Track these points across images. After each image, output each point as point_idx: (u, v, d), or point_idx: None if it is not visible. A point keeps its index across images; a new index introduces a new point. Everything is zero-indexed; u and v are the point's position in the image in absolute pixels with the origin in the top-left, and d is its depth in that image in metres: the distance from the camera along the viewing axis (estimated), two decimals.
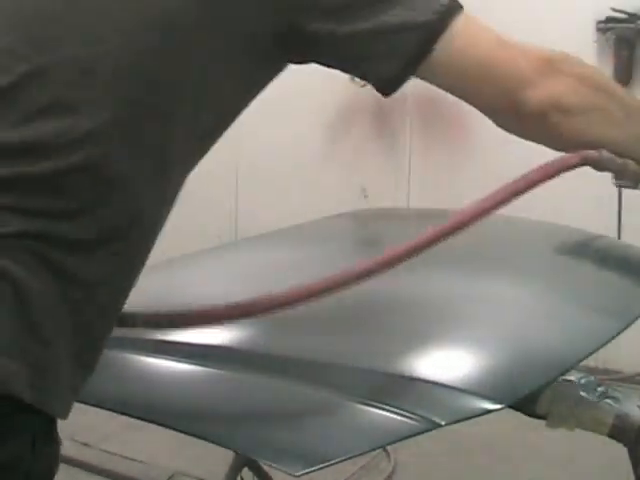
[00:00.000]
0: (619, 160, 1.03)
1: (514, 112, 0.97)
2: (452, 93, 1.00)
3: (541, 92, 0.94)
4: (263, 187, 3.96)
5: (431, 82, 0.98)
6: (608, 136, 1.01)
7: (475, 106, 1.00)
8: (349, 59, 0.91)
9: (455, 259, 1.28)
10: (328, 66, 0.93)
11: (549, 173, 1.01)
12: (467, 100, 1.00)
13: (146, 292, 1.17)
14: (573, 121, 0.98)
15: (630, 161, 1.04)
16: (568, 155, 1.01)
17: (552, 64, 0.97)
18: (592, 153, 1.00)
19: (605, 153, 1.01)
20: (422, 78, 0.97)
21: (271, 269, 1.24)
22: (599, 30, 3.17)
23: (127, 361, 0.90)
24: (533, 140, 1.04)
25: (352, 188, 3.69)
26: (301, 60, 0.93)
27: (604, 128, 1.01)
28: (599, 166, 1.02)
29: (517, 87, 0.94)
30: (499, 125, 1.02)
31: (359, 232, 1.67)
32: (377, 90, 0.95)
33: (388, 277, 1.17)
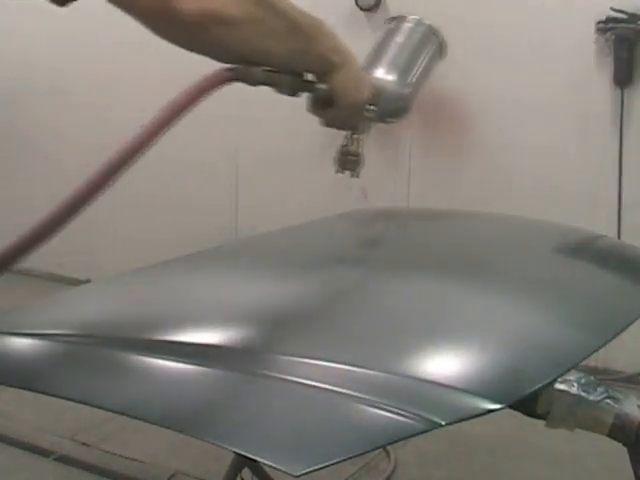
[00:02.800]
0: (271, 73, 1.06)
1: (170, 22, 0.96)
2: (110, 1, 0.97)
3: (196, 2, 0.95)
4: (263, 187, 3.97)
5: None
6: (270, 49, 1.04)
7: (132, 15, 0.98)
8: None
9: (454, 258, 1.28)
10: None
11: (204, 88, 0.99)
12: (122, 8, 0.97)
13: (146, 292, 1.17)
14: (235, 33, 1.00)
15: (287, 75, 1.08)
16: (218, 71, 1.02)
17: None
18: (241, 67, 1.04)
19: (252, 68, 1.04)
20: None
21: (271, 269, 1.24)
22: (599, 30, 3.17)
23: (127, 361, 0.90)
24: (197, 51, 1.03)
25: (352, 188, 3.69)
26: None
27: (266, 40, 1.03)
28: (251, 80, 1.05)
29: None
30: (158, 35, 1.00)
31: (359, 232, 1.67)
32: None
33: (388, 277, 1.18)
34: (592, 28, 3.17)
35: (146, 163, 3.83)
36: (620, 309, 1.10)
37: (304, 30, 1.06)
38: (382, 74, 1.23)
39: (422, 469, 2.63)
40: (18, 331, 0.98)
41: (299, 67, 1.10)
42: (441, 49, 1.34)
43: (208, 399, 0.83)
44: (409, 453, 2.64)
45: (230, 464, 1.71)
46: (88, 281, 4.15)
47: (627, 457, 0.92)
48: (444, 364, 0.89)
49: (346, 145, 1.25)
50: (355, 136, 1.23)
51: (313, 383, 0.81)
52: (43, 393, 0.87)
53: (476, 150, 3.50)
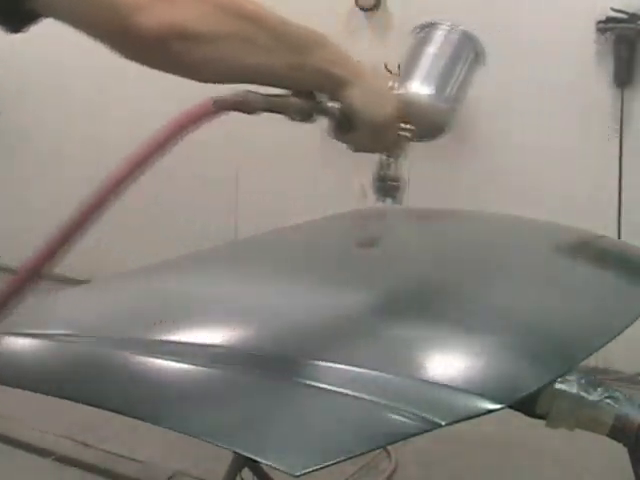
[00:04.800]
0: (275, 98, 0.99)
1: (129, 39, 0.89)
2: (67, 22, 0.90)
3: (157, 17, 0.87)
4: (263, 187, 3.96)
5: (48, 14, 0.89)
6: (259, 63, 0.97)
7: (92, 36, 0.91)
8: None
9: (454, 258, 1.28)
10: None
11: (189, 122, 0.93)
12: (81, 29, 0.91)
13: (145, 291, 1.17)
14: (203, 49, 0.92)
15: (291, 97, 1.01)
16: (205, 102, 0.95)
17: None
18: (233, 96, 0.97)
19: (250, 94, 0.97)
20: (36, 10, 0.88)
21: (270, 269, 1.24)
22: (599, 30, 3.17)
23: (127, 361, 0.90)
24: (158, 68, 0.95)
25: (352, 188, 3.69)
26: None
27: (246, 55, 0.96)
28: (248, 108, 0.98)
29: (128, 12, 0.87)
30: (122, 55, 0.93)
31: (359, 232, 1.67)
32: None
33: (388, 277, 1.18)
34: (592, 28, 3.17)
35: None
36: (620, 309, 1.10)
37: (294, 41, 1.00)
38: (416, 89, 1.12)
39: (422, 469, 2.62)
40: (18, 331, 0.98)
41: (300, 84, 1.02)
42: (478, 57, 1.22)
43: (208, 399, 0.83)
44: (409, 453, 2.64)
45: (230, 464, 1.71)
46: (88, 281, 4.14)
47: (627, 457, 0.92)
48: (444, 364, 0.89)
49: (382, 170, 1.17)
50: (391, 159, 1.16)
51: (313, 383, 0.81)
52: (43, 393, 0.87)
53: (476, 150, 3.50)
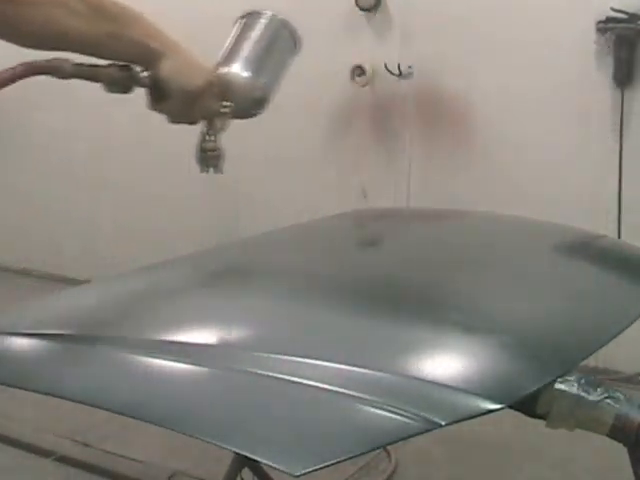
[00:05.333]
0: (88, 67, 1.06)
1: None
2: None
3: None
4: (263, 187, 3.96)
5: None
6: (75, 30, 1.03)
7: None
8: None
9: (454, 258, 1.28)
10: None
11: (6, 79, 1.00)
12: None
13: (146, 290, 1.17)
14: (23, 11, 0.98)
15: (105, 68, 1.08)
16: (16, 66, 1.01)
17: None
18: (44, 61, 1.02)
19: (63, 61, 1.04)
20: None
21: (270, 269, 1.24)
22: (599, 30, 3.17)
23: (126, 361, 0.90)
24: None
25: (352, 188, 3.69)
26: None
27: (66, 21, 1.02)
28: (58, 73, 1.04)
29: None
30: None
31: (359, 232, 1.67)
32: None
33: (387, 277, 1.18)
34: (592, 28, 3.17)
35: (147, 164, 3.88)
36: (620, 309, 1.10)
37: (112, 13, 1.06)
38: (237, 70, 1.24)
39: (422, 469, 2.63)
40: (18, 331, 0.98)
41: (118, 54, 1.09)
42: (295, 43, 1.34)
43: (208, 399, 0.83)
44: (409, 453, 2.64)
45: (230, 464, 1.71)
46: (88, 281, 4.15)
47: (627, 457, 0.92)
48: (444, 364, 0.89)
49: (204, 142, 1.26)
50: (211, 131, 1.25)
51: (313, 383, 0.81)
52: (43, 393, 0.87)
53: (476, 150, 3.50)
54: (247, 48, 1.26)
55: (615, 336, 0.99)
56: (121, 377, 0.89)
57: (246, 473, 1.71)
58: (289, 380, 0.82)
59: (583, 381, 0.88)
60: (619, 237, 3.11)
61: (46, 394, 0.87)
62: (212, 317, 1.03)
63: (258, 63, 1.26)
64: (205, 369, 0.86)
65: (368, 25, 3.61)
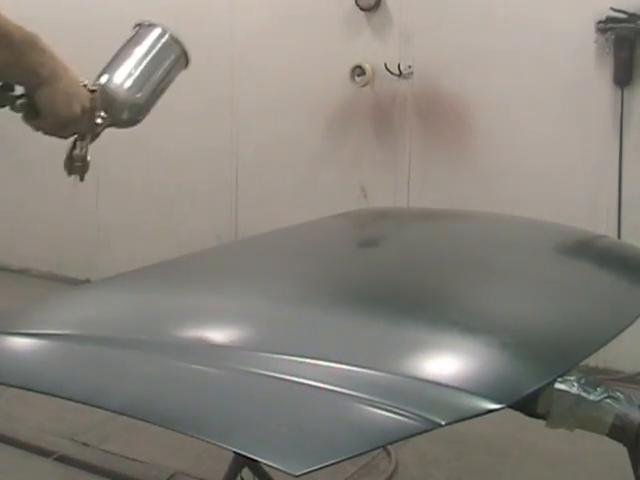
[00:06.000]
0: None
1: None
2: None
3: None
4: (263, 187, 3.96)
5: None
6: None
7: None
8: None
9: (454, 258, 1.28)
10: None
11: None
12: None
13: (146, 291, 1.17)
14: None
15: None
16: None
17: None
18: None
19: None
20: None
21: (270, 269, 1.24)
22: (599, 30, 3.17)
23: (127, 361, 0.90)
24: None
25: (352, 188, 3.69)
26: None
27: None
28: None
29: None
30: None
31: (359, 232, 1.67)
32: None
33: (388, 276, 1.18)
34: (592, 28, 3.17)
35: (147, 164, 3.88)
36: (620, 309, 1.10)
37: (15, 41, 1.08)
38: (117, 81, 1.26)
39: (422, 469, 2.62)
40: (18, 331, 0.98)
41: (7, 78, 1.13)
42: (183, 60, 1.34)
43: (208, 399, 0.83)
44: (409, 453, 2.64)
45: (230, 464, 1.71)
46: (88, 281, 4.15)
47: (627, 457, 0.92)
48: (444, 364, 0.89)
49: (73, 149, 1.25)
50: (79, 141, 1.24)
51: (313, 383, 0.81)
52: (43, 393, 0.87)
53: (476, 150, 3.50)
54: (131, 60, 1.29)
55: (615, 336, 0.99)
56: (121, 377, 0.88)
57: (246, 473, 1.71)
58: (289, 380, 0.82)
59: (583, 381, 0.88)
60: (619, 237, 3.11)
61: (46, 394, 0.87)
62: (212, 317, 1.03)
63: (139, 78, 1.28)
64: (205, 369, 0.86)
65: (368, 25, 3.61)
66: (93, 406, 0.82)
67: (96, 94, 1.22)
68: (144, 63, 1.29)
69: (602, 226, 3.09)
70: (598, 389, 0.88)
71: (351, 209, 1.86)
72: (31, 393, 0.87)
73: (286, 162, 3.87)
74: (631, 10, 3.12)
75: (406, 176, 3.63)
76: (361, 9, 3.58)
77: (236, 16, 3.76)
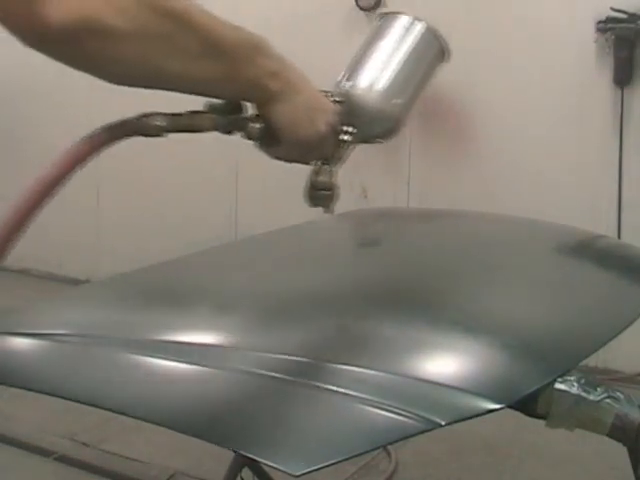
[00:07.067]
0: (182, 116, 0.87)
1: (37, 32, 0.76)
2: None
3: (67, 7, 0.74)
4: (263, 187, 3.96)
5: None
6: (175, 69, 0.83)
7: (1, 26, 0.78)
8: None
9: (454, 259, 1.28)
10: None
11: (94, 146, 0.85)
12: None
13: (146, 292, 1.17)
14: (118, 48, 0.79)
15: (203, 115, 0.90)
16: (95, 134, 0.85)
17: None
18: (125, 122, 0.86)
19: (152, 116, 0.85)
20: None
21: (271, 269, 1.24)
22: (599, 30, 3.17)
23: (127, 361, 0.90)
24: (70, 65, 0.82)
25: (352, 188, 3.69)
26: None
27: (169, 59, 0.82)
28: (149, 132, 0.86)
29: (36, 3, 0.74)
30: (33, 48, 0.79)
31: (359, 232, 1.67)
32: None
33: (388, 277, 1.18)
34: (592, 28, 3.18)
35: (147, 165, 3.89)
36: (620, 309, 1.10)
37: (229, 48, 0.89)
38: (364, 87, 1.02)
39: (422, 469, 2.63)
40: (18, 331, 0.98)
41: (223, 95, 0.92)
42: (442, 54, 1.08)
43: (208, 399, 0.83)
44: (409, 453, 2.64)
45: (230, 464, 1.71)
46: (88, 281, 4.15)
47: (627, 457, 0.92)
48: (444, 364, 0.89)
49: (315, 176, 1.02)
50: (325, 166, 1.02)
51: (313, 383, 0.81)
52: (43, 393, 0.87)
53: (476, 150, 3.50)
54: (380, 58, 1.04)
55: (615, 336, 0.99)
56: (121, 377, 0.88)
57: (246, 473, 1.71)
58: (289, 380, 0.82)
59: (583, 381, 0.88)
60: (619, 237, 3.11)
61: (47, 394, 0.87)
62: (212, 317, 1.03)
63: (393, 80, 1.03)
64: (205, 369, 0.86)
65: (368, 25, 3.60)
66: (93, 406, 0.82)
67: (342, 105, 0.98)
68: (397, 61, 1.03)
69: (602, 226, 3.09)
70: (598, 389, 0.88)
71: (351, 209, 1.86)
72: (31, 393, 0.87)
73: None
74: (631, 10, 3.13)
75: (406, 176, 3.63)
76: (361, 9, 3.58)
77: (236, 16, 3.75)
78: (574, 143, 3.32)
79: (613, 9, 3.13)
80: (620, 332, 1.00)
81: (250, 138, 0.94)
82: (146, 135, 0.88)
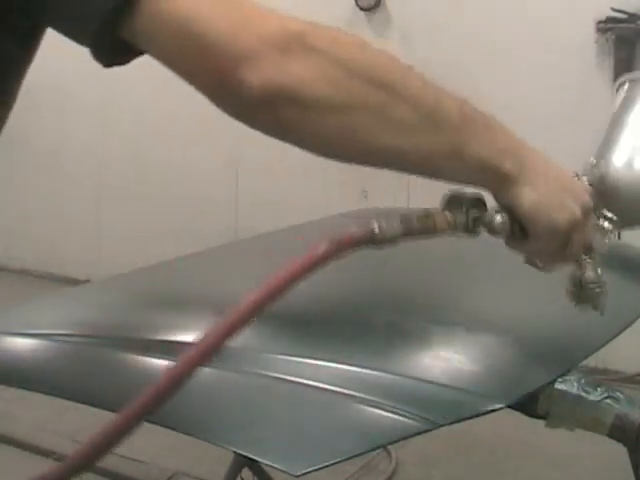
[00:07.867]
0: (417, 220, 0.77)
1: (232, 96, 0.71)
2: (166, 65, 0.72)
3: (264, 74, 0.69)
4: (263, 187, 3.96)
5: (146, 50, 0.72)
6: (387, 144, 0.75)
7: (189, 83, 0.73)
8: (57, 18, 0.71)
9: (454, 259, 1.28)
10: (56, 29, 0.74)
11: (328, 255, 0.73)
12: (179, 74, 0.72)
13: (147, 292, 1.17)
14: (320, 120, 0.73)
15: (439, 214, 0.81)
16: (320, 245, 0.73)
17: (303, 39, 0.73)
18: (360, 229, 0.74)
19: (383, 221, 0.73)
20: (136, 45, 0.72)
21: (270, 270, 1.24)
22: (599, 30, 3.17)
23: (127, 361, 0.90)
24: (266, 133, 0.76)
25: (352, 188, 3.69)
26: (36, 25, 0.75)
27: (379, 133, 0.74)
28: (381, 241, 0.76)
29: (234, 64, 0.69)
30: (222, 109, 0.75)
31: None
32: (95, 58, 0.72)
33: (388, 278, 1.18)
34: (592, 28, 3.17)
35: (147, 165, 3.88)
36: (620, 309, 1.10)
37: (454, 121, 0.77)
38: (621, 165, 0.91)
39: (422, 469, 2.63)
40: (18, 331, 0.98)
41: (451, 177, 0.83)
42: None
43: (208, 399, 0.83)
44: (409, 453, 2.64)
45: (230, 464, 1.71)
46: (88, 281, 4.15)
47: (627, 457, 0.92)
48: (444, 364, 0.89)
49: (578, 271, 0.87)
50: (588, 260, 0.86)
51: (313, 383, 0.81)
52: (43, 393, 0.87)
53: None
54: (633, 134, 0.91)
55: (615, 336, 0.99)
56: (121, 377, 0.89)
57: (246, 473, 1.71)
58: (289, 380, 0.82)
59: (583, 381, 0.88)
60: (619, 237, 3.11)
61: (46, 394, 0.87)
62: (212, 317, 1.03)
63: None
64: (205, 369, 0.86)
65: (368, 25, 3.61)
66: (93, 406, 0.82)
67: (595, 187, 0.85)
68: None
69: None
70: (598, 389, 0.88)
71: (351, 209, 1.86)
72: (31, 393, 0.87)
73: (286, 162, 3.87)
74: (631, 10, 3.12)
75: (406, 176, 3.63)
76: (361, 9, 3.58)
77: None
78: (574, 143, 3.31)
79: (613, 9, 3.13)
80: (620, 332, 1.00)
81: (493, 233, 0.81)
82: (374, 247, 0.78)
